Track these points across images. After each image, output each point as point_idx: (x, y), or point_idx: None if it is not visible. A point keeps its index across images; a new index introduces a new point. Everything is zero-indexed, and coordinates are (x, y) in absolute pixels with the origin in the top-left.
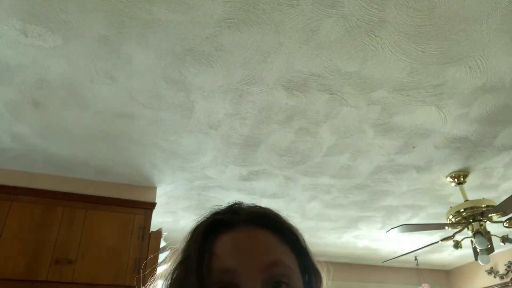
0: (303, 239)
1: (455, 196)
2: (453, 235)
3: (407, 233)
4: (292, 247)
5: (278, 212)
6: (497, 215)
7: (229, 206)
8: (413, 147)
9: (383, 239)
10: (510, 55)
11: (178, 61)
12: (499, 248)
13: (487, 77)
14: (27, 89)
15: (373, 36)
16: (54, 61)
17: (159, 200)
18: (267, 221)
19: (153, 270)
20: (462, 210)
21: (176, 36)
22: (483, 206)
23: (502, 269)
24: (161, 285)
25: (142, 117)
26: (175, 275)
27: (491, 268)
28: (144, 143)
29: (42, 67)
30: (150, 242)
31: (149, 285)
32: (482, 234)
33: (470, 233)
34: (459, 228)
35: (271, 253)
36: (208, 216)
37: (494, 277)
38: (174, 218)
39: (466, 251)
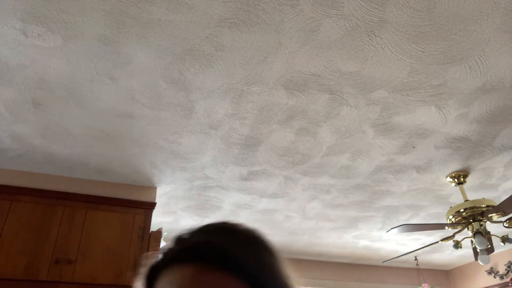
0: (261, 259)
1: (455, 196)
2: (453, 235)
3: (407, 233)
4: (241, 274)
5: (233, 231)
6: (497, 215)
7: (172, 241)
8: (413, 147)
9: (383, 239)
10: (510, 55)
11: (178, 61)
12: (499, 248)
13: (487, 77)
14: (27, 89)
15: (373, 36)
16: (54, 61)
17: (159, 200)
18: (199, 253)
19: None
20: (462, 210)
21: (176, 36)
22: (483, 206)
23: (502, 269)
24: None
25: (142, 117)
26: None
27: (491, 268)
28: (144, 143)
29: (42, 67)
30: (150, 242)
31: None
32: (482, 234)
33: (470, 233)
34: (459, 228)
35: None
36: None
37: (494, 277)
38: (174, 218)
39: (466, 251)
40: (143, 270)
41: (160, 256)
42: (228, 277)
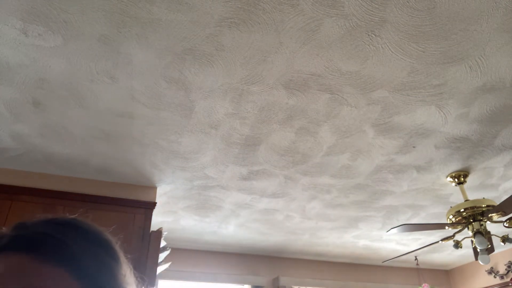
0: (98, 260)
1: (455, 196)
2: (453, 235)
3: (407, 233)
4: (73, 271)
5: (79, 228)
6: (497, 215)
7: (11, 228)
8: (413, 147)
9: (383, 239)
10: (511, 55)
11: (178, 61)
12: (499, 248)
13: (487, 77)
14: (27, 88)
15: (373, 36)
16: (55, 60)
17: (159, 200)
18: (30, 243)
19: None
20: (462, 210)
21: (177, 36)
22: (483, 206)
23: (502, 269)
24: None
25: (142, 117)
26: None
27: (491, 268)
28: (144, 143)
29: (43, 67)
30: (150, 242)
31: None
32: (482, 234)
33: (470, 233)
34: (459, 228)
35: (9, 282)
36: None
37: (494, 277)
38: (174, 218)
39: (466, 251)
40: None
41: None
42: (57, 271)
